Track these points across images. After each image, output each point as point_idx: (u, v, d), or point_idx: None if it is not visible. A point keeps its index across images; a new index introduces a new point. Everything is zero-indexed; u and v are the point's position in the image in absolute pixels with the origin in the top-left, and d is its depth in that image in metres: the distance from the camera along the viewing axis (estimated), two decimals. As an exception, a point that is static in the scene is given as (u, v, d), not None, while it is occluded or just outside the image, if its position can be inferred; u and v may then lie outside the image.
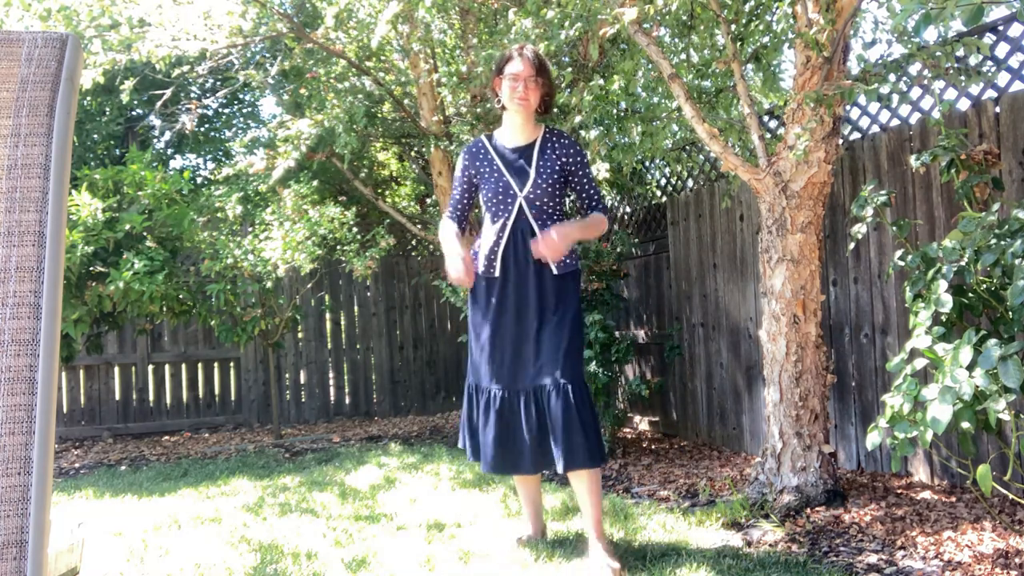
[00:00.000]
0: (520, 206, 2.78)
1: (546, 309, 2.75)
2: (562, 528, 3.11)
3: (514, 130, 2.85)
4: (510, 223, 2.79)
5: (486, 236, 2.84)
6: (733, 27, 3.83)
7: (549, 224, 2.77)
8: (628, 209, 5.87)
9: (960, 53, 3.02)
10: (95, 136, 7.89)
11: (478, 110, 5.51)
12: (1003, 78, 3.20)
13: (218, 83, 8.23)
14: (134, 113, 8.20)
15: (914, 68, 3.42)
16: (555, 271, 2.75)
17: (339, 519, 3.43)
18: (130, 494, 4.13)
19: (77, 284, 4.96)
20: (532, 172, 2.79)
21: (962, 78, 2.95)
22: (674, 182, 5.37)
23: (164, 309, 5.18)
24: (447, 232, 2.88)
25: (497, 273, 2.80)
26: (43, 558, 0.75)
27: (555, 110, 4.84)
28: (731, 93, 4.38)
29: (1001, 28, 3.19)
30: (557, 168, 2.80)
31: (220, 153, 9.18)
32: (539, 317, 2.75)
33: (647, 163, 5.64)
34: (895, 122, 3.70)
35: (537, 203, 2.78)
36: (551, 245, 2.64)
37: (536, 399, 2.70)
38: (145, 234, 5.20)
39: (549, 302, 2.75)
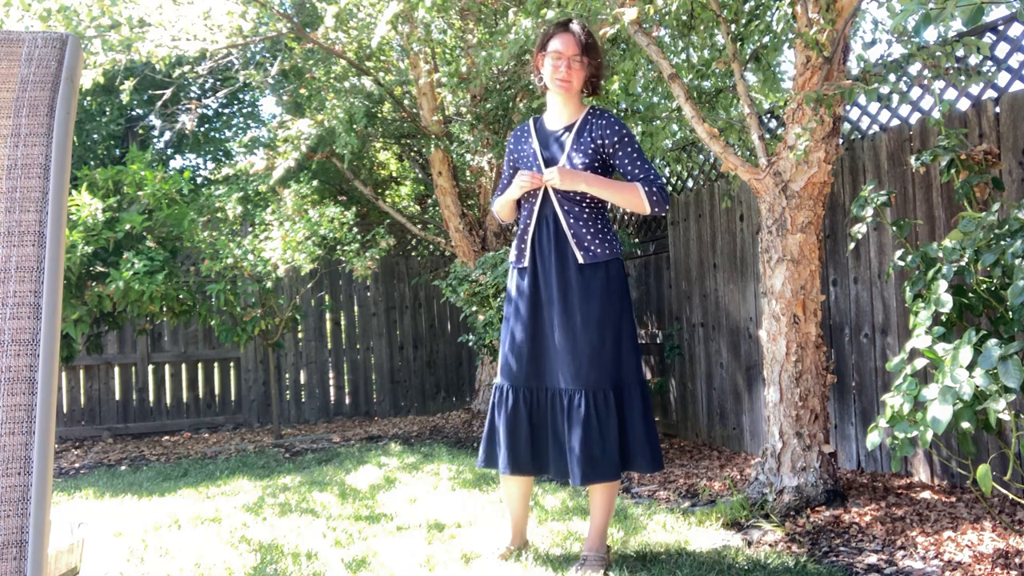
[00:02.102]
0: (547, 192, 2.63)
1: (572, 304, 2.56)
2: (562, 528, 3.11)
3: (555, 111, 2.70)
4: (536, 210, 2.65)
5: (520, 224, 2.73)
6: (733, 27, 3.83)
7: (578, 211, 2.60)
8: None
9: (960, 53, 3.02)
10: (95, 136, 7.89)
11: (478, 110, 5.51)
12: (1003, 78, 3.20)
13: (218, 83, 8.24)
14: (134, 113, 8.20)
15: (914, 68, 3.42)
16: (580, 260, 2.57)
17: (339, 519, 3.43)
18: (130, 494, 4.13)
19: (77, 284, 4.96)
20: (563, 156, 2.62)
21: (962, 78, 2.95)
22: (674, 182, 5.37)
23: (164, 309, 5.18)
24: (499, 197, 2.79)
25: (526, 263, 2.66)
26: (43, 558, 0.75)
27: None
28: (731, 93, 4.39)
29: (1001, 28, 3.19)
30: (591, 151, 2.60)
31: (220, 153, 9.18)
32: (564, 312, 2.56)
33: (647, 163, 5.63)
34: (895, 122, 3.70)
35: (564, 187, 2.59)
36: (561, 172, 2.53)
37: (561, 400, 2.59)
38: (145, 234, 5.20)
39: (575, 296, 2.56)
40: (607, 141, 2.62)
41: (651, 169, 2.64)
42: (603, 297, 2.57)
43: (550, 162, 2.67)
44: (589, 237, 2.60)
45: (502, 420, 2.65)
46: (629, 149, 2.63)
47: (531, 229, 2.67)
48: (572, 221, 2.61)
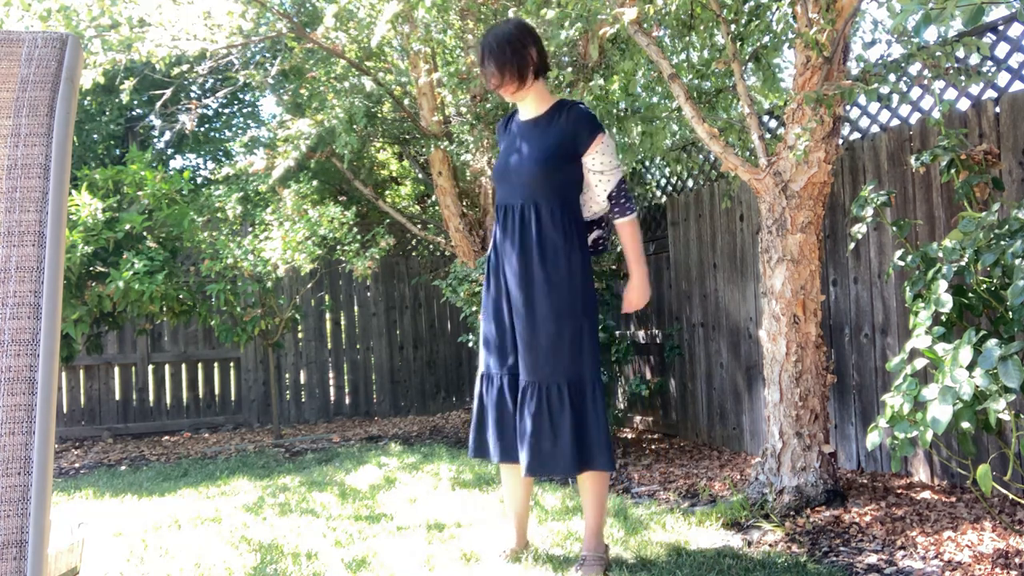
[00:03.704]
0: (512, 183, 2.65)
1: (532, 296, 2.57)
2: (562, 528, 3.11)
3: (522, 105, 2.73)
4: (504, 200, 2.68)
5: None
6: (733, 27, 3.83)
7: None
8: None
9: (960, 53, 3.02)
10: (95, 136, 7.89)
11: (478, 110, 5.51)
12: (1003, 78, 3.20)
13: (218, 83, 8.23)
14: (134, 113, 8.19)
15: (914, 68, 3.42)
16: (544, 252, 2.57)
17: (339, 519, 3.43)
18: (130, 494, 4.13)
19: (77, 284, 4.96)
20: (526, 149, 2.64)
21: (962, 78, 2.95)
22: (674, 182, 5.37)
23: (164, 309, 5.18)
24: None
25: (496, 253, 2.69)
26: (43, 558, 0.75)
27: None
28: (731, 93, 4.38)
29: (1001, 28, 3.19)
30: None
31: (220, 153, 9.17)
32: (525, 304, 2.57)
33: (647, 163, 5.64)
34: (895, 122, 3.70)
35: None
36: (634, 302, 2.68)
37: (519, 390, 2.61)
38: (145, 234, 5.20)
39: (536, 288, 2.56)
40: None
41: (613, 180, 2.65)
42: (564, 291, 2.56)
43: (516, 154, 2.67)
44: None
45: (489, 408, 2.67)
46: (594, 158, 2.61)
47: (501, 218, 2.68)
48: (538, 214, 2.60)
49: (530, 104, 2.69)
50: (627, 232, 2.69)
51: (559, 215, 2.60)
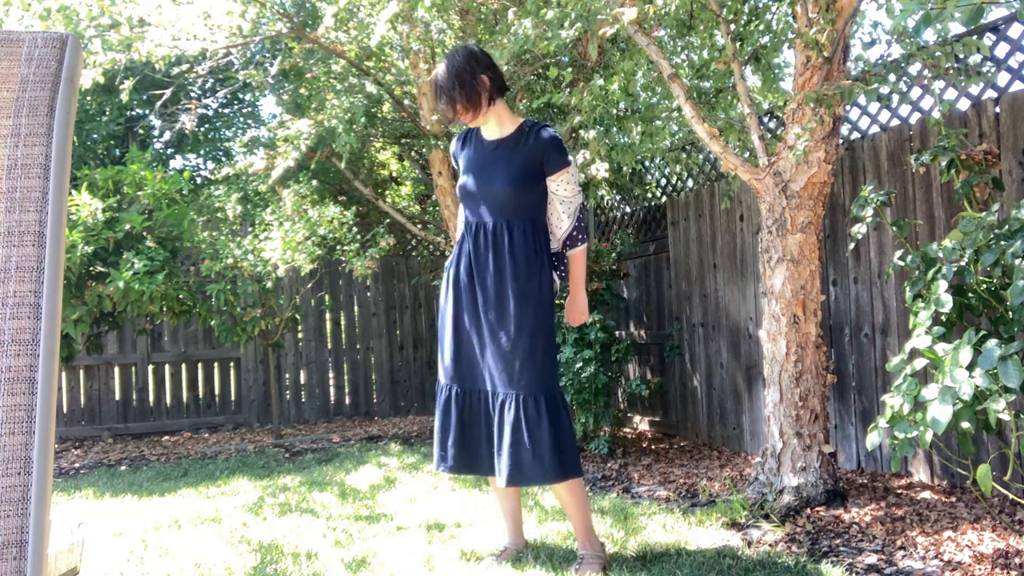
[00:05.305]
0: (483, 203, 2.69)
1: (506, 310, 2.62)
2: (562, 528, 3.11)
3: (487, 126, 2.75)
4: (475, 219, 2.71)
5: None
6: (733, 27, 3.83)
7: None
8: (628, 209, 5.87)
9: (960, 53, 3.02)
10: (95, 136, 7.88)
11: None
12: (1003, 78, 3.20)
13: (218, 83, 8.23)
14: (134, 113, 8.19)
15: (914, 68, 3.42)
16: (516, 268, 2.62)
17: (339, 519, 3.43)
18: (130, 494, 4.13)
19: (77, 284, 4.96)
20: (494, 170, 2.68)
21: (962, 78, 2.95)
22: (674, 182, 5.37)
23: (164, 309, 5.18)
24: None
25: (463, 267, 2.71)
26: (43, 558, 0.75)
27: (554, 110, 4.84)
28: (731, 93, 4.38)
29: (1001, 28, 3.19)
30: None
31: (220, 153, 9.17)
32: (499, 318, 2.62)
33: (647, 163, 5.64)
34: (895, 122, 3.70)
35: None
36: (574, 320, 2.82)
37: (492, 403, 2.64)
38: (145, 234, 5.20)
39: (510, 303, 2.61)
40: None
41: (574, 206, 2.71)
42: (537, 306, 2.63)
43: (482, 173, 2.70)
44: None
45: (454, 419, 2.72)
46: (559, 185, 2.68)
47: (472, 235, 2.71)
48: (511, 232, 2.65)
49: (493, 126, 2.73)
50: (577, 260, 2.79)
51: (531, 233, 2.67)
